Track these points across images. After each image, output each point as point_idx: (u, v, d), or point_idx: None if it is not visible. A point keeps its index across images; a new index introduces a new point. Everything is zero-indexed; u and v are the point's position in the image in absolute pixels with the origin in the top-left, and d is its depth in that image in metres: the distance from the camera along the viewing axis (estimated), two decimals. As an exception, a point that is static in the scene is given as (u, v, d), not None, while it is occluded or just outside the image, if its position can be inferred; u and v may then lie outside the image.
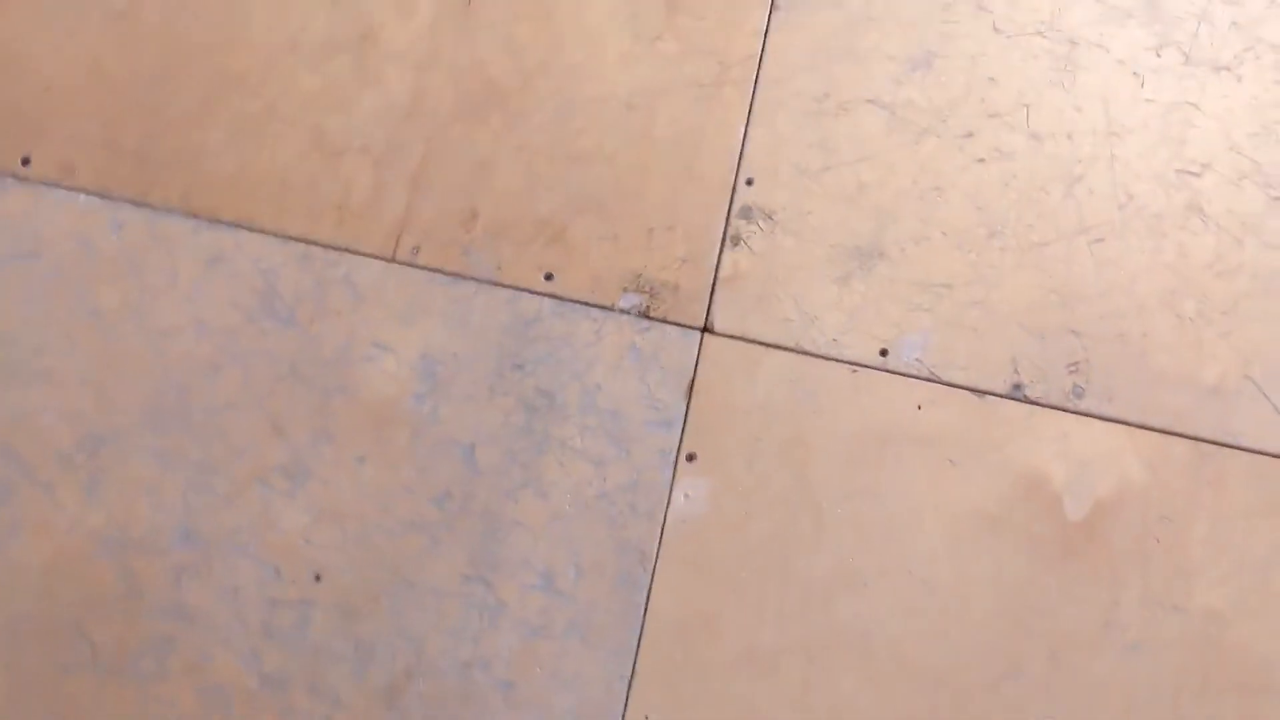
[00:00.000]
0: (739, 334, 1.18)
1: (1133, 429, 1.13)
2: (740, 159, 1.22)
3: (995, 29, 1.24)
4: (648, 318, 1.19)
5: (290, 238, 1.21)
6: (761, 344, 1.17)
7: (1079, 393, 1.14)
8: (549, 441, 1.16)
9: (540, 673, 1.08)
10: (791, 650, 1.10)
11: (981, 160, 1.21)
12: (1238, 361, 1.14)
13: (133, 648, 1.11)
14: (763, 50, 1.25)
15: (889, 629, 1.09)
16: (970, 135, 1.22)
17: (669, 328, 1.19)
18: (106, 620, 1.12)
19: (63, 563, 1.14)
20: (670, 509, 1.13)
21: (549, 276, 1.20)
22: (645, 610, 1.11)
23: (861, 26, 1.25)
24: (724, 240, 1.21)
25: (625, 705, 1.08)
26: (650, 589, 1.11)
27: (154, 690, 1.10)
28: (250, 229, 1.21)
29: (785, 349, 1.17)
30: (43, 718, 1.10)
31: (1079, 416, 1.13)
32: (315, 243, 1.21)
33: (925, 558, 1.10)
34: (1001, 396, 1.14)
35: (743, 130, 1.23)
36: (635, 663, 1.09)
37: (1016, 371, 1.15)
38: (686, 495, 1.14)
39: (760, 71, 1.25)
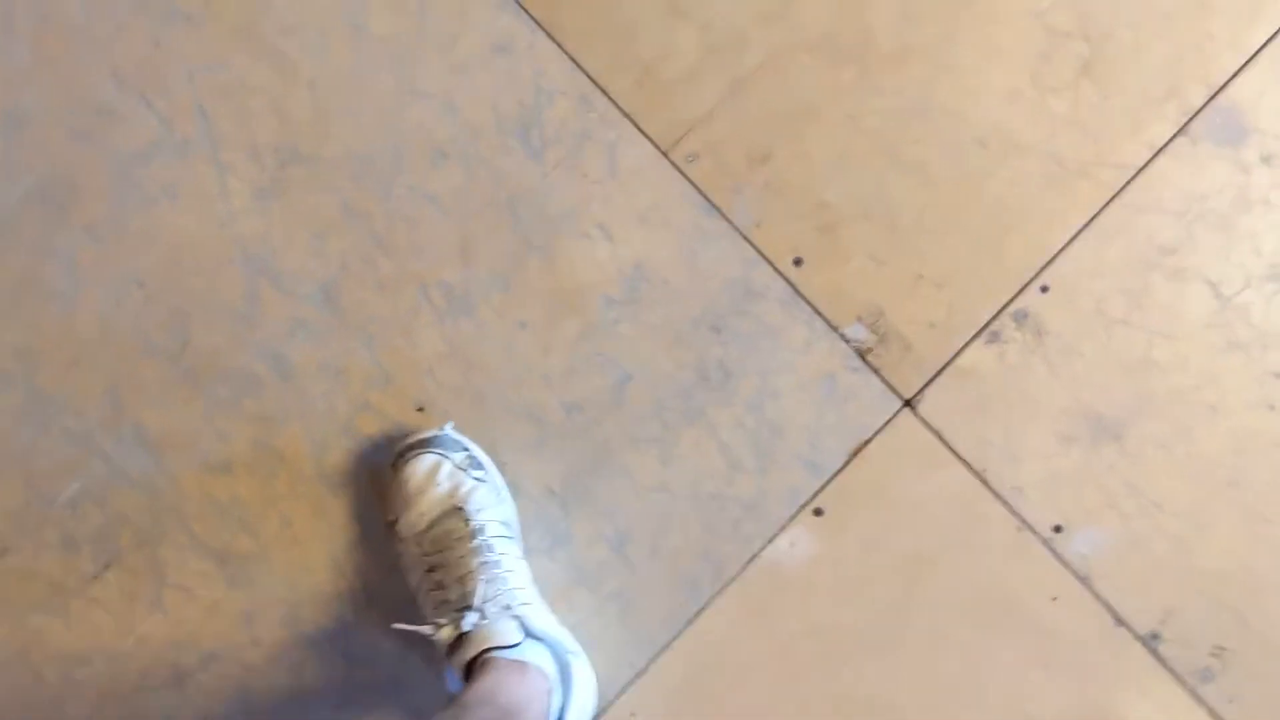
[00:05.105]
0: (937, 428, 1.08)
1: (1230, 739, 1.04)
2: (1050, 261, 1.09)
3: (1389, 301, 1.09)
4: (863, 359, 1.08)
5: (584, 71, 1.08)
6: (951, 450, 1.07)
7: (1207, 676, 1.05)
8: (701, 417, 1.07)
9: (567, 616, 1.03)
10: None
11: (1273, 409, 1.08)
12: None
13: (220, 368, 1.06)
14: (1144, 168, 1.09)
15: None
16: (1281, 379, 1.09)
17: (876, 381, 1.08)
18: (212, 329, 1.06)
19: (200, 248, 1.07)
20: (770, 547, 1.06)
21: (798, 262, 1.09)
22: (690, 623, 1.05)
23: (1257, 206, 1.08)
24: (982, 330, 1.08)
25: (621, 692, 1.04)
26: (705, 607, 1.05)
27: (217, 418, 1.05)
28: (553, 39, 1.08)
29: (970, 468, 1.07)
30: (109, 379, 1.06)
31: (1191, 696, 1.05)
32: (604, 91, 1.08)
33: (970, 740, 1.04)
34: (1134, 635, 1.05)
35: (1072, 235, 1.09)
36: (652, 662, 1.05)
37: (1164, 622, 1.05)
38: (792, 544, 1.06)
39: (1128, 187, 1.09)
